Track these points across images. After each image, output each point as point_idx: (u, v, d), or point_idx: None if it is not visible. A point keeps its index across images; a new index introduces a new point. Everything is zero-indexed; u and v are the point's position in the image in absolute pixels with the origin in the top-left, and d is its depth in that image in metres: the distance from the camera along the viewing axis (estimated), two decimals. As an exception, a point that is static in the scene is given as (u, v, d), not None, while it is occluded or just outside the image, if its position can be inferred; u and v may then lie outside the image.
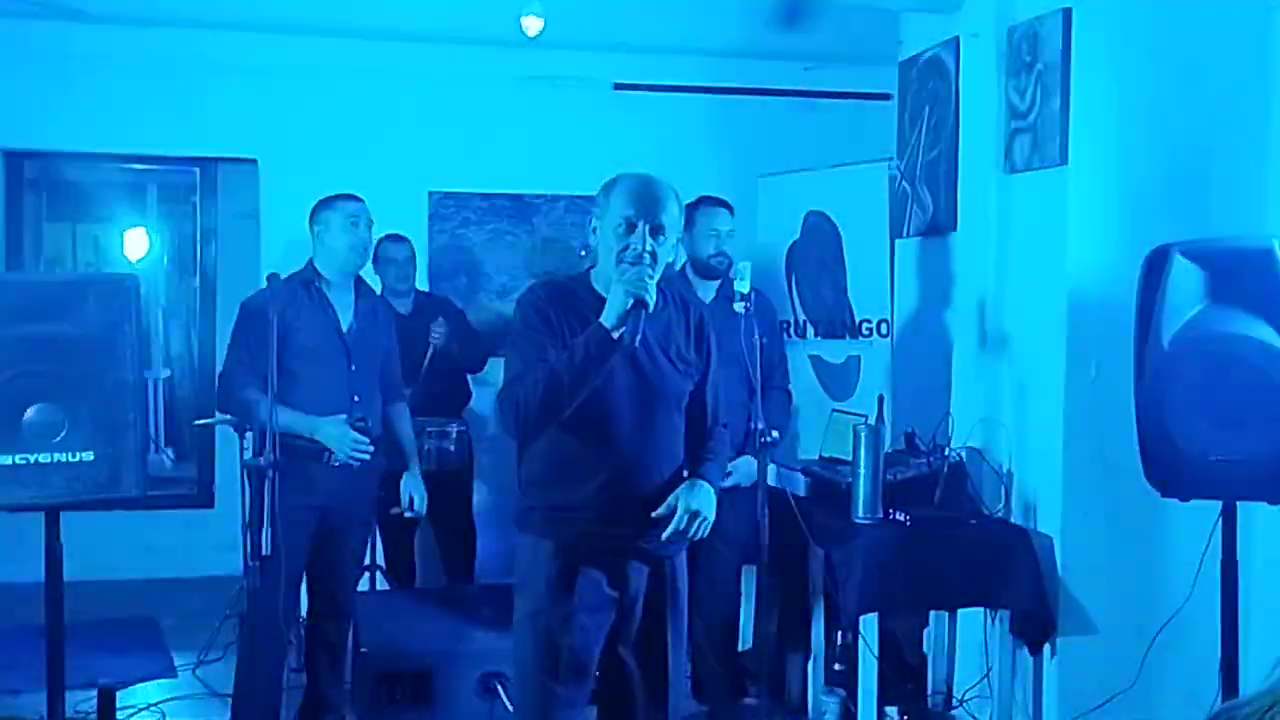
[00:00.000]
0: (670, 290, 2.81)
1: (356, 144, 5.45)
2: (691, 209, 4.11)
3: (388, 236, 5.09)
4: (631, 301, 2.53)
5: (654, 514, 2.67)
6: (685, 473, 2.78)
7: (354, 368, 3.72)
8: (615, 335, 2.54)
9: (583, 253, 4.96)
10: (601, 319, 2.55)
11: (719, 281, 4.07)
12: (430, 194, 5.63)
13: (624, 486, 2.67)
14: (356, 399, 3.71)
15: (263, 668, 3.71)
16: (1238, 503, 2.97)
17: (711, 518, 2.72)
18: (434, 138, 5.54)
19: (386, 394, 3.94)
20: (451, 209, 5.63)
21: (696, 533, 2.71)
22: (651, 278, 2.58)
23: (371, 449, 3.68)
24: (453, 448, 4.83)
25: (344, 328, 3.72)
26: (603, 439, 2.66)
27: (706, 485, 2.75)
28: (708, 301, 4.04)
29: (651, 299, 2.55)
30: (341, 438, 3.61)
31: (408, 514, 4.07)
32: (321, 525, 3.65)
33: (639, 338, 2.55)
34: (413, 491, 4.03)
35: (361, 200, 3.83)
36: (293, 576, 3.53)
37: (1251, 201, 3.61)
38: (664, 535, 2.67)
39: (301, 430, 3.55)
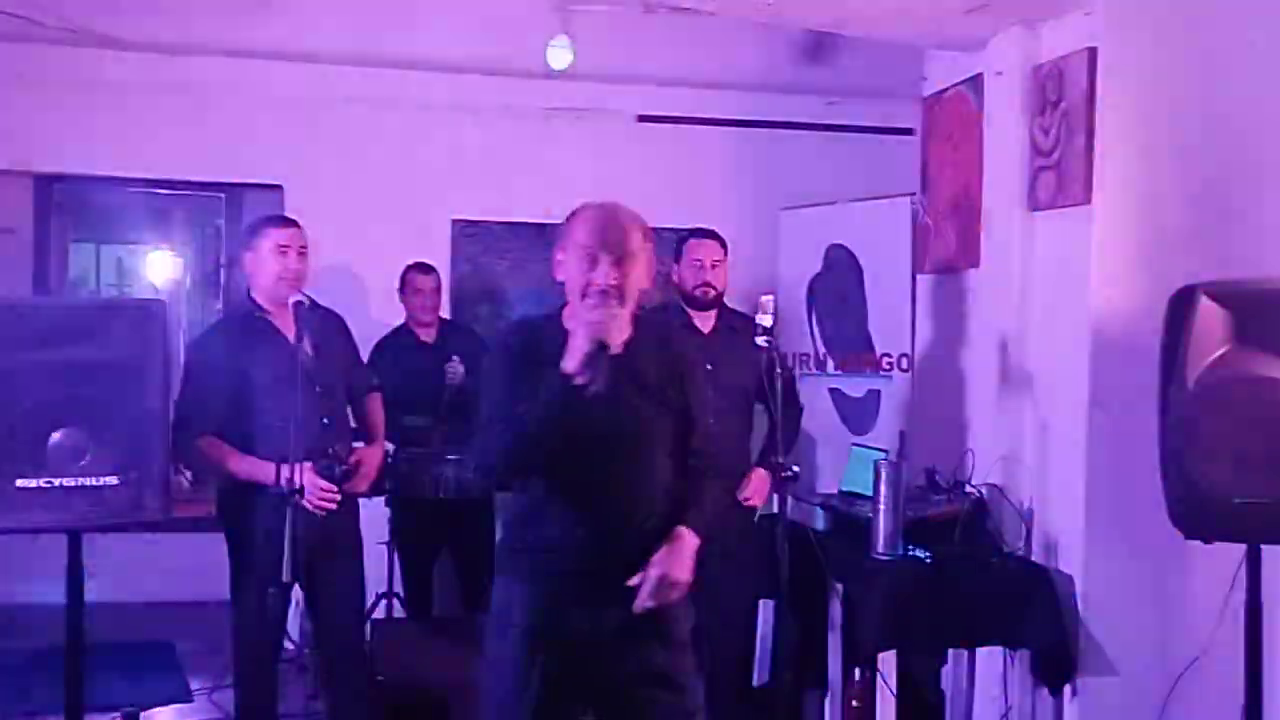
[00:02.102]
0: (653, 321, 2.71)
1: (381, 172, 5.50)
2: (681, 241, 4.16)
3: (415, 265, 5.11)
4: (592, 346, 2.41)
5: (629, 583, 2.50)
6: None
7: (319, 389, 3.53)
8: (577, 381, 2.41)
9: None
10: (563, 364, 2.43)
11: (715, 311, 4.09)
12: (453, 222, 5.66)
13: (602, 530, 2.54)
14: (326, 421, 3.56)
15: (264, 700, 3.66)
16: (1262, 545, 2.95)
17: (685, 579, 2.54)
18: (458, 167, 5.58)
19: (355, 394, 3.86)
20: (474, 237, 5.66)
21: (663, 599, 2.51)
22: (615, 316, 2.46)
23: (338, 498, 3.49)
24: (472, 477, 4.82)
25: (297, 352, 3.44)
26: (580, 480, 2.54)
27: (685, 540, 2.56)
28: (705, 332, 4.07)
29: (614, 340, 2.42)
30: (308, 487, 3.33)
31: (344, 480, 3.67)
32: (297, 558, 3.35)
33: (602, 381, 2.42)
34: (364, 458, 3.75)
35: (295, 225, 3.66)
36: (281, 608, 3.41)
37: (1277, 242, 3.60)
38: (635, 607, 2.49)
39: (266, 480, 3.36)
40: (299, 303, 3.47)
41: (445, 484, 4.76)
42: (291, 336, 3.49)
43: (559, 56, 4.80)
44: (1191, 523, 2.94)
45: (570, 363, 2.41)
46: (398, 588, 5.11)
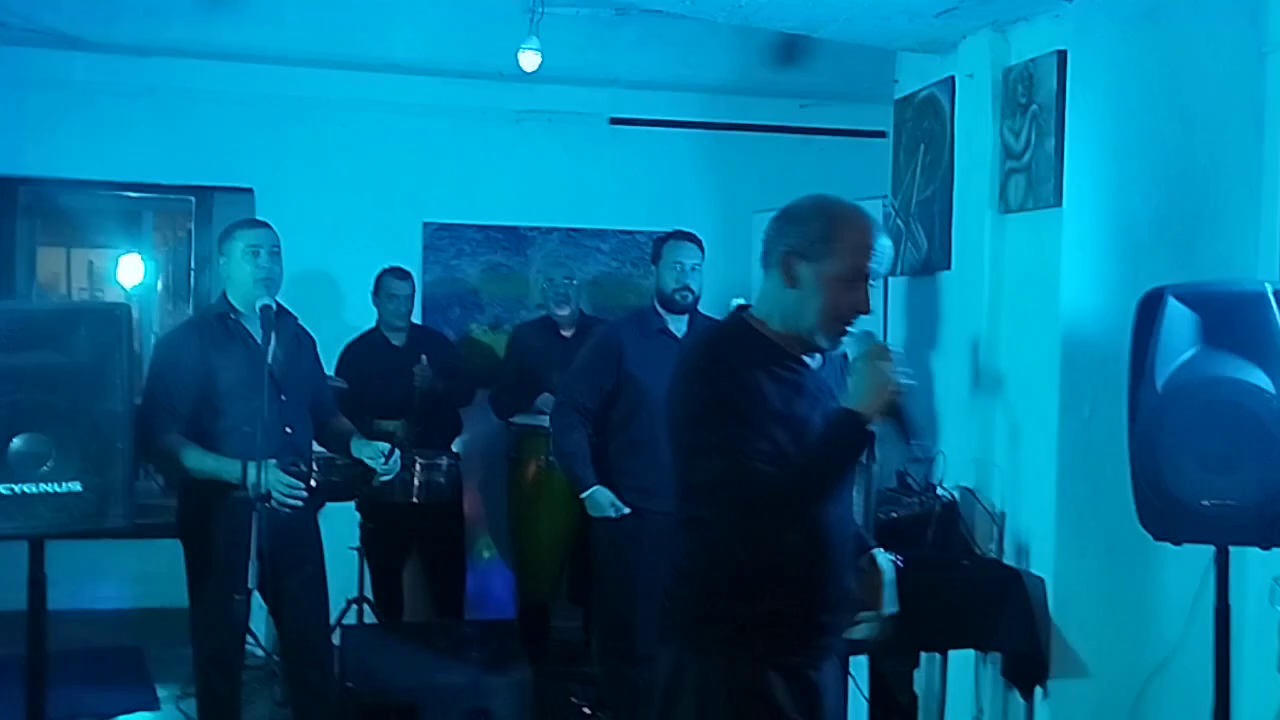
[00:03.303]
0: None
1: (352, 175, 5.47)
2: (660, 243, 4.16)
3: (390, 270, 5.10)
4: (891, 396, 2.12)
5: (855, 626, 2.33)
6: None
7: (284, 399, 3.52)
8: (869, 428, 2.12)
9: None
10: (852, 406, 2.12)
11: (689, 316, 4.09)
12: (425, 225, 5.63)
13: (827, 577, 2.24)
14: (289, 430, 3.55)
15: (227, 708, 3.61)
16: (1231, 547, 2.96)
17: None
18: (430, 170, 5.55)
19: (321, 416, 3.84)
20: (446, 240, 5.64)
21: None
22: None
23: (305, 493, 3.47)
24: (443, 480, 4.81)
25: (269, 359, 3.44)
26: (825, 535, 2.22)
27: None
28: (679, 337, 4.06)
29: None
30: (274, 482, 3.35)
31: (383, 472, 3.68)
32: (264, 567, 3.31)
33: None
34: (370, 452, 3.67)
35: (266, 226, 3.66)
36: (240, 616, 3.32)
37: (1245, 245, 3.61)
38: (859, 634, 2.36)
39: (231, 477, 3.33)
40: (266, 307, 3.45)
41: (416, 489, 4.75)
42: (262, 343, 3.47)
43: (529, 59, 4.77)
44: (1160, 525, 2.95)
45: (869, 405, 2.13)
46: (368, 593, 5.08)
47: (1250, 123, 3.68)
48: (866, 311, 2.21)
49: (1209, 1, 3.69)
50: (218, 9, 5.14)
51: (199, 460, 3.44)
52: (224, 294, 3.64)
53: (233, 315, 3.57)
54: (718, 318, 4.02)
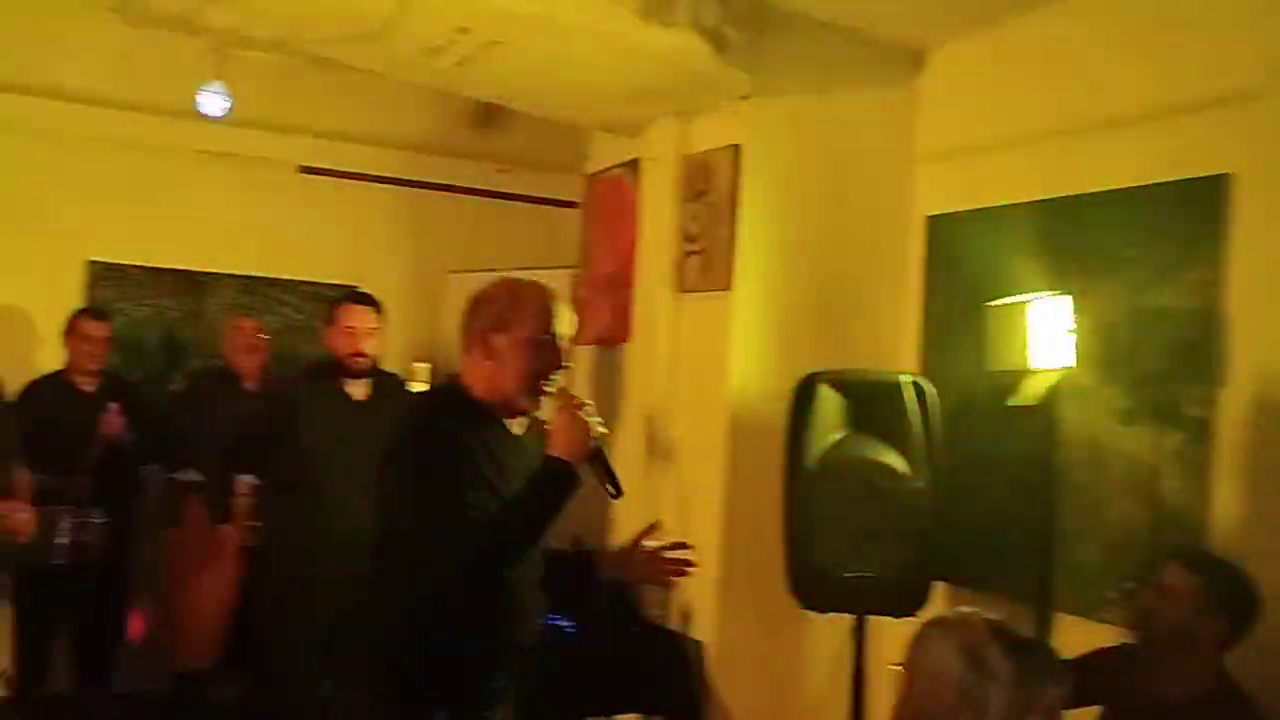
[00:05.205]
0: None
1: (4, 204, 5.02)
2: (333, 306, 4.08)
3: (87, 310, 4.75)
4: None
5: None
6: None
7: None
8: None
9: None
10: (556, 453, 2.29)
11: (370, 379, 4.01)
12: (89, 264, 5.25)
13: (509, 629, 2.40)
14: None
15: None
16: (868, 616, 3.21)
17: None
18: (97, 205, 5.18)
19: None
20: (111, 282, 5.26)
21: None
22: None
23: None
24: (90, 539, 4.46)
25: None
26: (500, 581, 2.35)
27: None
28: (359, 399, 3.99)
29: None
30: None
31: None
32: None
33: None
34: None
35: None
36: None
37: (890, 336, 3.97)
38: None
39: None
40: None
41: (59, 549, 4.40)
42: None
43: (211, 102, 4.58)
44: (807, 594, 3.17)
45: (571, 451, 2.32)
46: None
47: (899, 224, 4.06)
48: (561, 367, 2.39)
49: (869, 111, 4.06)
50: None
51: None
52: None
53: None
54: (402, 377, 4.03)
